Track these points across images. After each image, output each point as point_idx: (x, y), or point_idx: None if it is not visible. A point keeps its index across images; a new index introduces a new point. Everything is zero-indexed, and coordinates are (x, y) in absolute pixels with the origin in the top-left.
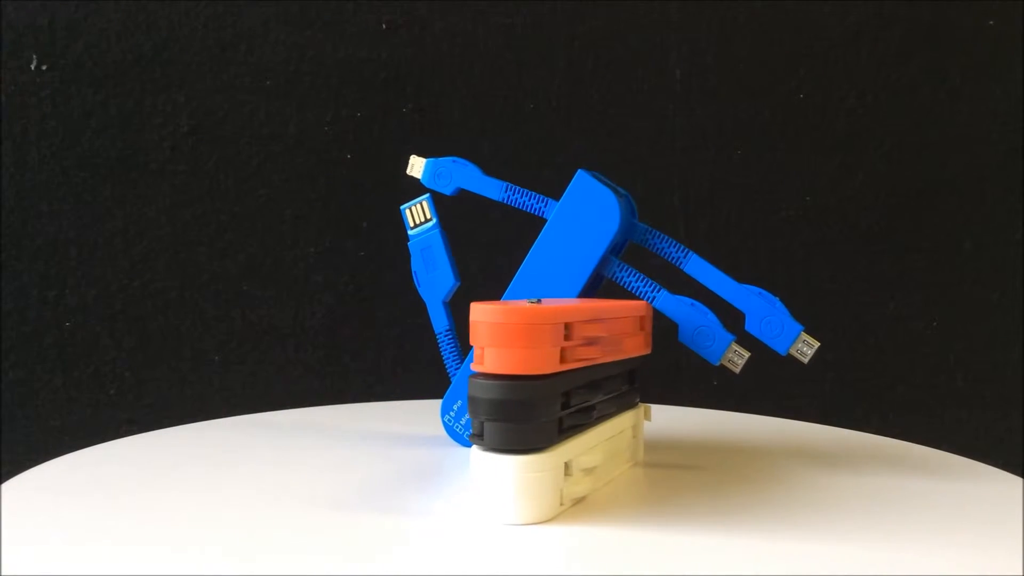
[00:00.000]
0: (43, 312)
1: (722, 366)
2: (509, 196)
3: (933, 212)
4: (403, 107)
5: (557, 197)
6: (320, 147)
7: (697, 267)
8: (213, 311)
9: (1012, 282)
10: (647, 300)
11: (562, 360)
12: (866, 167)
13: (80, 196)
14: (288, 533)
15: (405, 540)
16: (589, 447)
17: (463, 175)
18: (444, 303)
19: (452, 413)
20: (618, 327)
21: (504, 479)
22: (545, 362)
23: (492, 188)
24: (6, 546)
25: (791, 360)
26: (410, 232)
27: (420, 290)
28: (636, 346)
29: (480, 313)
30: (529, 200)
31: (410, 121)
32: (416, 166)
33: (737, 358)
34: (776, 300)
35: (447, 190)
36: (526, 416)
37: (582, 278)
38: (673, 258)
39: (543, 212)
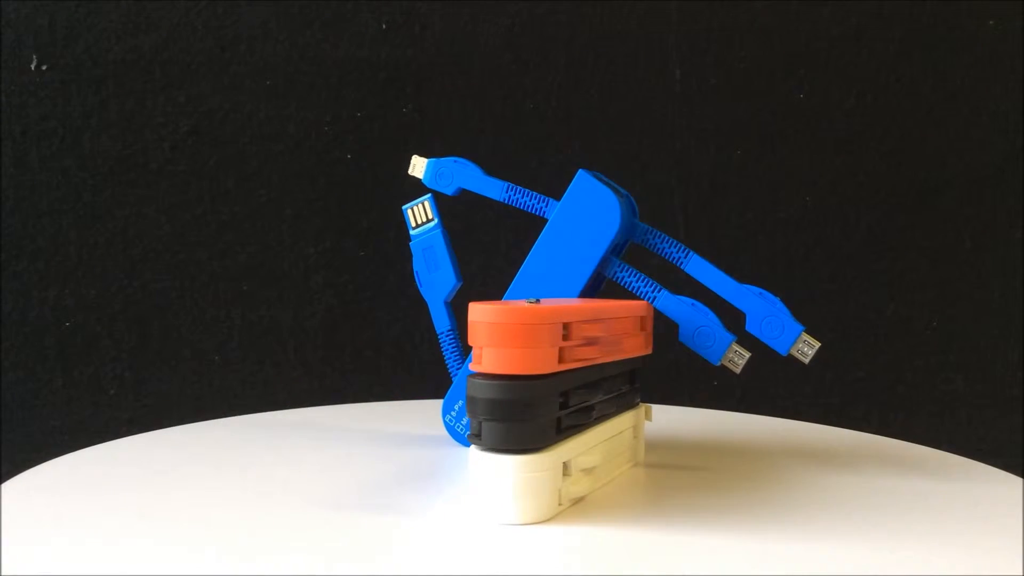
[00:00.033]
0: (43, 312)
1: (722, 366)
2: (510, 196)
3: (933, 212)
4: (403, 107)
5: (557, 197)
6: (320, 147)
7: (698, 267)
8: (213, 311)
9: (1012, 282)
10: (648, 300)
11: (560, 360)
12: (866, 167)
13: (80, 196)
14: (288, 533)
15: (403, 540)
16: (588, 447)
17: (464, 175)
18: (446, 303)
19: (453, 413)
20: (618, 327)
21: (502, 479)
22: (543, 362)
23: (493, 188)
24: (6, 546)
25: (791, 360)
26: (412, 232)
27: (422, 290)
28: (637, 346)
29: (478, 313)
30: (530, 200)
31: (410, 121)
32: (418, 166)
33: (737, 358)
34: (777, 300)
35: (448, 190)
36: (524, 416)
37: (583, 278)
38: (674, 258)
39: (544, 212)
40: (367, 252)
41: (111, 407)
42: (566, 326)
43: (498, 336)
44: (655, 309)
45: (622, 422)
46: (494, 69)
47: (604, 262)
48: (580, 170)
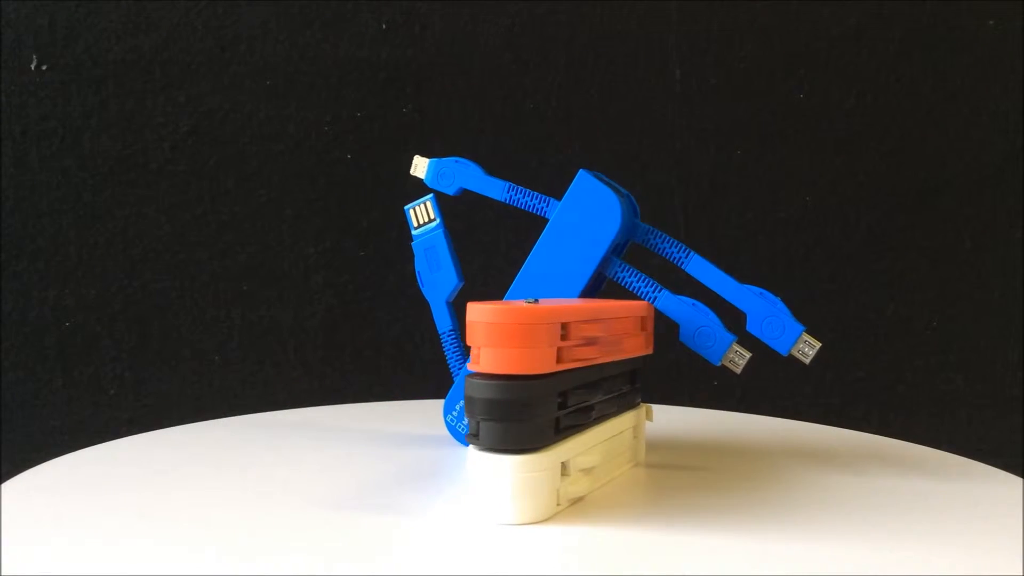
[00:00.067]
0: (43, 312)
1: (723, 367)
2: (511, 196)
3: (933, 212)
4: (403, 107)
5: (558, 197)
6: (320, 147)
7: (699, 267)
8: (213, 311)
9: (1012, 282)
10: (648, 300)
11: (559, 360)
12: (866, 167)
13: (80, 196)
14: (288, 533)
15: (401, 540)
16: (587, 447)
17: (466, 175)
18: (448, 303)
19: (455, 413)
20: (618, 327)
21: (500, 479)
22: (541, 362)
23: (494, 188)
24: (6, 546)
25: (791, 360)
26: (414, 232)
27: (424, 290)
28: (637, 346)
29: (476, 313)
30: (531, 200)
31: (410, 121)
32: (419, 166)
33: (738, 358)
34: (778, 300)
35: (450, 190)
36: (522, 416)
37: (583, 278)
38: (675, 258)
39: (545, 212)
40: (367, 252)
41: (111, 407)
42: (564, 326)
43: (496, 336)
44: (656, 309)
45: (622, 422)
46: (494, 69)
47: (605, 262)
48: (581, 170)
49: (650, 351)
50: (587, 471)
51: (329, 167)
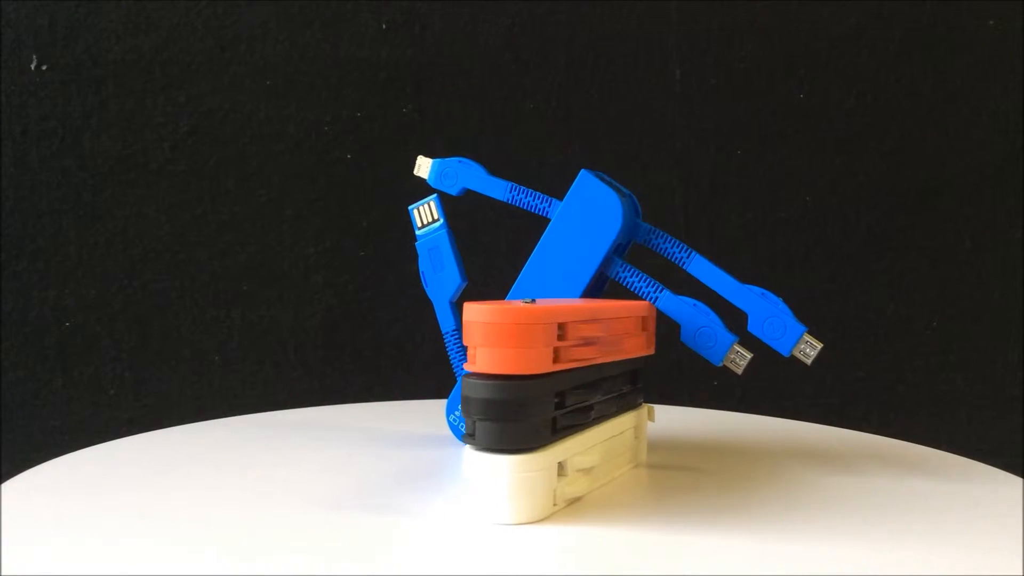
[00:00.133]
0: (43, 312)
1: (724, 367)
2: (514, 196)
3: (933, 212)
4: (403, 107)
5: (559, 197)
6: (320, 147)
7: (700, 267)
8: (213, 311)
9: (1012, 282)
10: (649, 300)
11: (556, 360)
12: (866, 167)
13: (80, 196)
14: (288, 533)
15: (398, 540)
16: (586, 447)
17: (468, 175)
18: (451, 303)
19: (457, 413)
20: (618, 327)
21: (496, 479)
22: (537, 362)
23: (497, 188)
24: (6, 546)
25: (791, 360)
26: (417, 232)
27: (427, 290)
28: (638, 346)
29: (473, 313)
30: (533, 200)
31: (410, 121)
32: (423, 166)
33: (739, 359)
34: (779, 301)
35: (453, 190)
36: (517, 416)
37: (585, 278)
38: (676, 258)
39: (547, 212)
40: (367, 252)
41: (111, 407)
42: (561, 326)
43: (492, 336)
44: (657, 310)
45: (623, 422)
46: (494, 69)
47: (606, 262)
48: (582, 170)
49: (651, 351)
50: (586, 471)
51: (329, 167)
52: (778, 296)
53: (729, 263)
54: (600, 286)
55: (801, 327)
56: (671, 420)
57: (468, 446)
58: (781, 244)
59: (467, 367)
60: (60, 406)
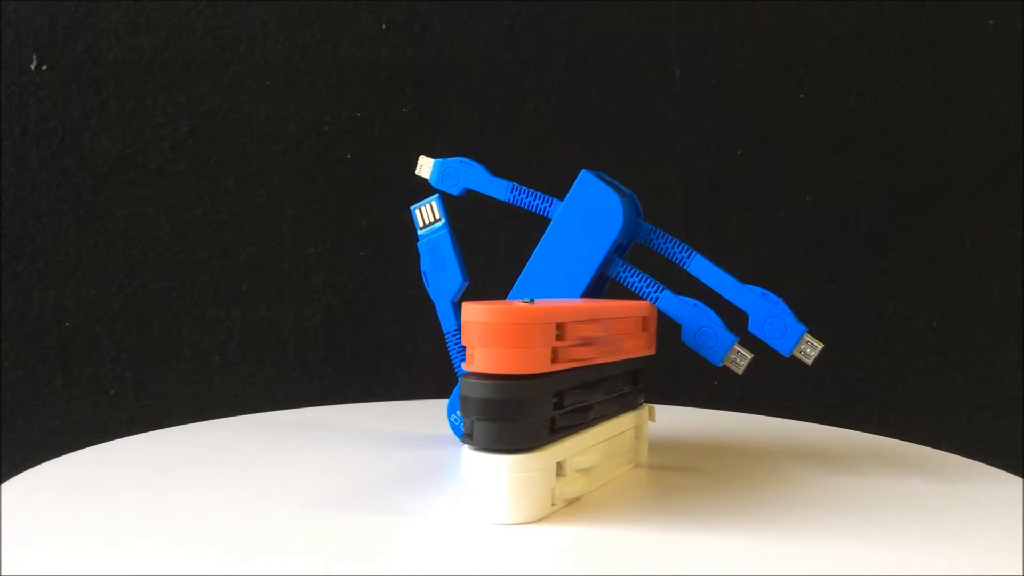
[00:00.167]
0: (43, 312)
1: (724, 367)
2: (515, 196)
3: (933, 212)
4: (403, 107)
5: (559, 197)
6: (320, 147)
7: (701, 267)
8: (213, 311)
9: (1012, 282)
10: (650, 300)
11: (554, 360)
12: (866, 167)
13: (80, 196)
14: (288, 533)
15: (397, 540)
16: (585, 447)
17: (470, 175)
18: (453, 303)
19: (458, 413)
20: (617, 327)
21: (494, 479)
22: (535, 362)
23: (498, 188)
24: (6, 546)
25: (791, 360)
26: (419, 232)
27: (429, 290)
28: (638, 347)
29: (471, 313)
30: (534, 200)
31: (410, 121)
32: (424, 166)
33: (740, 359)
34: (780, 301)
35: (454, 190)
36: (515, 416)
37: (586, 278)
38: (677, 258)
39: (548, 212)
40: (367, 252)
41: (111, 407)
42: (560, 326)
43: (490, 336)
44: (658, 310)
45: (623, 423)
46: (494, 69)
47: (607, 262)
48: (583, 170)
49: (652, 351)
50: (585, 471)
51: (329, 167)
52: (778, 296)
53: (729, 263)
54: (601, 286)
55: (802, 327)
56: (671, 420)
57: (466, 446)
58: (781, 244)
59: (465, 367)
60: (60, 406)
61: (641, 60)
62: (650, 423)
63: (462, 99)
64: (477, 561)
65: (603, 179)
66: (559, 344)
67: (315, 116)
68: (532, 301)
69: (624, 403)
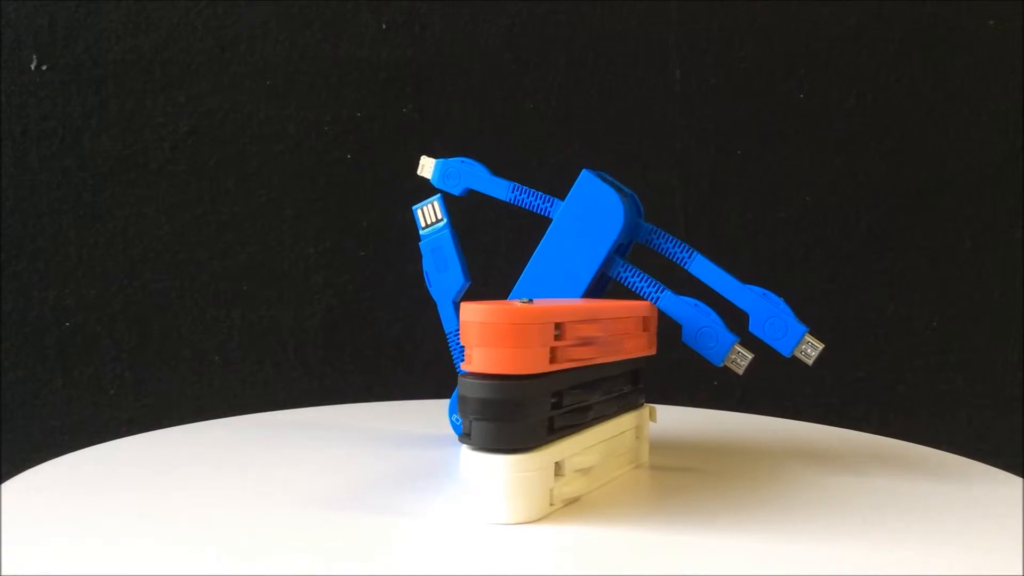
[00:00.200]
0: (43, 312)
1: (725, 367)
2: (516, 196)
3: (933, 212)
4: (403, 107)
5: (560, 197)
6: (320, 147)
7: (702, 267)
8: (213, 311)
9: (1012, 282)
10: (650, 300)
11: (553, 360)
12: (866, 167)
13: (80, 196)
14: (288, 533)
15: (397, 540)
16: (584, 447)
17: (471, 175)
18: (455, 303)
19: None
20: (617, 327)
21: (492, 479)
22: (533, 362)
23: (499, 188)
24: (6, 546)
25: (791, 360)
26: (421, 232)
27: (431, 290)
28: (639, 347)
29: (469, 313)
30: (535, 200)
31: (410, 121)
32: (426, 166)
33: (740, 359)
34: (780, 301)
35: (456, 190)
36: (514, 416)
37: (586, 278)
38: (678, 258)
39: (549, 212)
40: (367, 252)
41: (111, 407)
42: (559, 326)
43: (488, 336)
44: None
45: (623, 423)
46: (494, 69)
47: (608, 262)
48: (584, 170)
49: (653, 351)
50: (584, 471)
51: (329, 167)
52: (779, 296)
53: (729, 263)
54: (602, 286)
55: (802, 327)
56: (671, 420)
57: (465, 446)
58: (781, 244)
59: (464, 367)
60: (60, 406)
61: (641, 60)
62: (651, 423)
63: (462, 99)
64: (476, 561)
65: (604, 179)
66: (557, 344)
67: (315, 116)
68: (531, 301)
69: (624, 403)
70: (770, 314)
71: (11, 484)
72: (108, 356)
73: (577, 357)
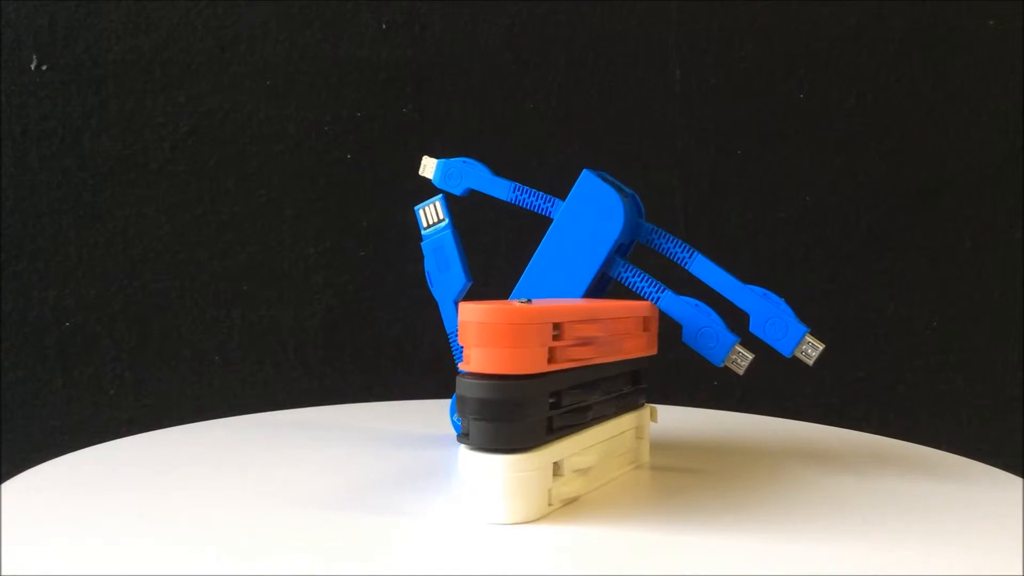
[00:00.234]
0: (43, 312)
1: (725, 367)
2: (517, 196)
3: (933, 212)
4: (403, 107)
5: (560, 197)
6: (320, 147)
7: (702, 267)
8: (213, 311)
9: (1012, 282)
10: (651, 300)
11: (551, 360)
12: (866, 167)
13: (80, 196)
14: (288, 533)
15: (397, 540)
16: (583, 447)
17: (472, 175)
18: (456, 303)
19: None
20: (617, 327)
21: (491, 478)
22: (531, 362)
23: (500, 188)
24: (6, 546)
25: (791, 360)
26: (423, 232)
27: (433, 290)
28: (639, 347)
29: (467, 313)
30: (536, 200)
31: (410, 121)
32: (428, 167)
33: (741, 360)
34: (781, 301)
35: (457, 190)
36: (512, 416)
37: (587, 278)
38: (678, 258)
39: (550, 212)
40: (367, 252)
41: (111, 407)
42: (557, 326)
43: (486, 336)
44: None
45: (623, 423)
46: (494, 69)
47: (609, 262)
48: (584, 170)
49: (654, 352)
50: (583, 471)
51: (329, 167)
52: (779, 296)
53: (729, 263)
54: (603, 286)
55: (803, 328)
56: (671, 420)
57: (463, 446)
58: (781, 244)
59: (462, 367)
60: (60, 406)
61: (641, 60)
62: (651, 423)
63: (462, 99)
64: (475, 561)
65: (604, 179)
66: (556, 344)
67: (315, 116)
68: (530, 301)
69: (624, 403)
70: (771, 314)
71: (11, 484)
72: (108, 356)
73: (576, 357)
